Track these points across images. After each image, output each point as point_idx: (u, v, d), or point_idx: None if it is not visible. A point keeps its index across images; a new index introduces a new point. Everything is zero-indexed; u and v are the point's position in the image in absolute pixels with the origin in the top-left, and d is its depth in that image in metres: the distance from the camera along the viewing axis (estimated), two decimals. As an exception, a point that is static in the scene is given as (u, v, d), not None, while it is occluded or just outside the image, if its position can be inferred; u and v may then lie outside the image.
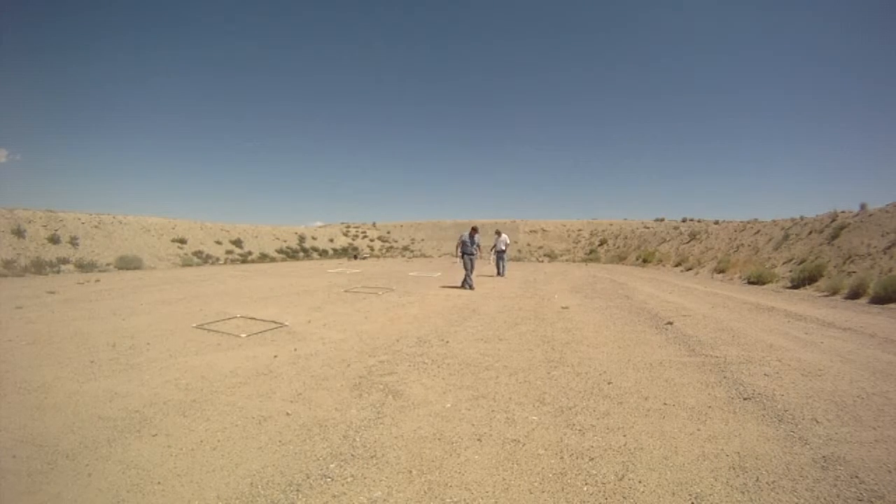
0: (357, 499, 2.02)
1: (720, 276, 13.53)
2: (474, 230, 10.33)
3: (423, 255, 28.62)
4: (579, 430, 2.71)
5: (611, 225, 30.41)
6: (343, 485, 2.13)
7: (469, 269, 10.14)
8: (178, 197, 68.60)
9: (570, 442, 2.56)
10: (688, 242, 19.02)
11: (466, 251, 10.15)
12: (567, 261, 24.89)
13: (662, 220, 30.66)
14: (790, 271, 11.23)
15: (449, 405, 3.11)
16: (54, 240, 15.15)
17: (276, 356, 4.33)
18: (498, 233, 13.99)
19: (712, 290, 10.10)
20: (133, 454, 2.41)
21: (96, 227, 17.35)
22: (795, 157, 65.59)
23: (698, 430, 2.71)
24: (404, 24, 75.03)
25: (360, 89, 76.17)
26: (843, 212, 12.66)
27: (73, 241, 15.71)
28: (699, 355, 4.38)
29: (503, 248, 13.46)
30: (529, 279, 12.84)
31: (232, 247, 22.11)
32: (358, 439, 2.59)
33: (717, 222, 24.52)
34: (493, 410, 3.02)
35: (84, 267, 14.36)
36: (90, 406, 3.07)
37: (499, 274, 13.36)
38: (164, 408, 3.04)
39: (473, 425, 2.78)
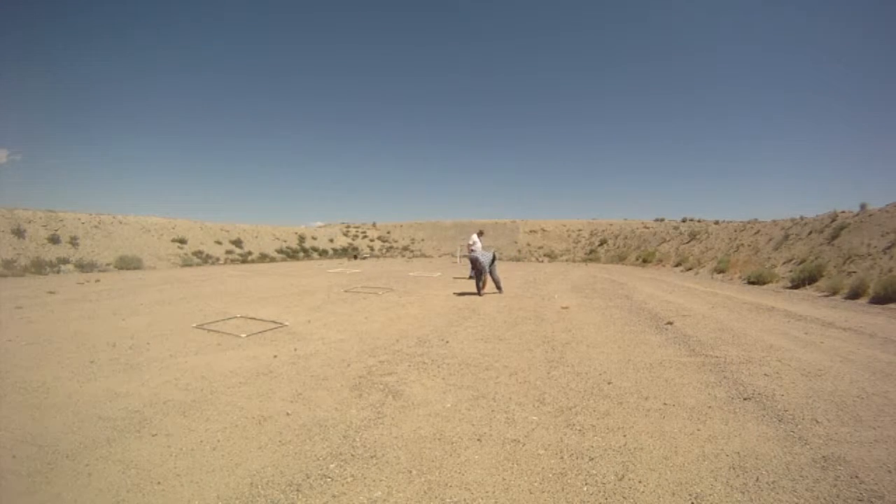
0: (357, 499, 2.02)
1: (720, 276, 13.52)
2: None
3: (423, 255, 28.60)
4: (579, 430, 2.71)
5: (611, 225, 30.38)
6: (343, 485, 2.13)
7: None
8: (178, 197, 68.55)
9: (570, 442, 2.56)
10: (688, 242, 19.01)
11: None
12: (567, 261, 24.87)
13: (662, 220, 30.65)
14: (790, 271, 11.22)
15: (449, 405, 3.11)
16: (54, 240, 15.15)
17: (276, 356, 4.33)
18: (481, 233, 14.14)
19: (712, 290, 10.09)
20: (133, 454, 2.41)
21: (96, 227, 17.35)
22: (795, 157, 65.67)
23: (698, 430, 2.71)
24: (404, 23, 75.07)
25: (360, 89, 76.21)
26: (843, 212, 12.66)
27: (73, 241, 15.71)
28: (699, 355, 4.38)
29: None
30: (529, 279, 12.83)
31: (232, 247, 22.10)
32: (358, 439, 2.59)
33: (717, 222, 24.55)
34: (493, 410, 3.02)
35: (84, 267, 14.35)
36: (90, 406, 3.07)
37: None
38: (164, 408, 3.05)
39: (473, 425, 2.78)
